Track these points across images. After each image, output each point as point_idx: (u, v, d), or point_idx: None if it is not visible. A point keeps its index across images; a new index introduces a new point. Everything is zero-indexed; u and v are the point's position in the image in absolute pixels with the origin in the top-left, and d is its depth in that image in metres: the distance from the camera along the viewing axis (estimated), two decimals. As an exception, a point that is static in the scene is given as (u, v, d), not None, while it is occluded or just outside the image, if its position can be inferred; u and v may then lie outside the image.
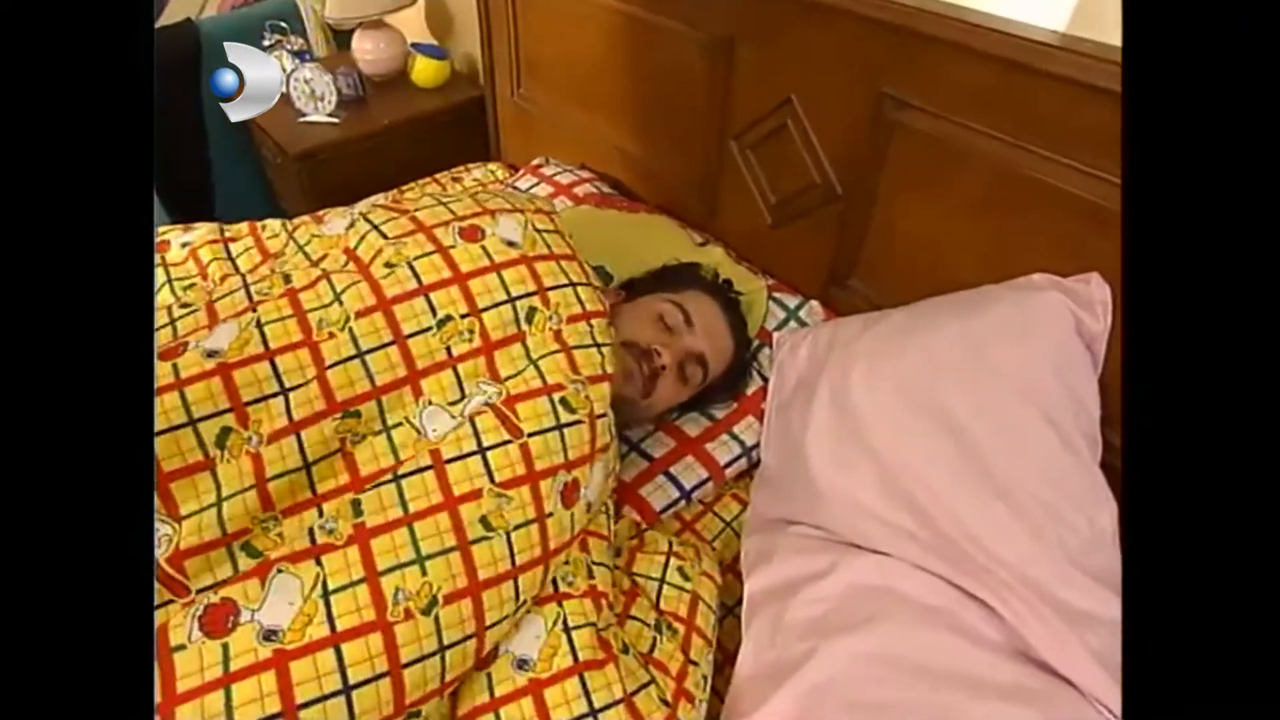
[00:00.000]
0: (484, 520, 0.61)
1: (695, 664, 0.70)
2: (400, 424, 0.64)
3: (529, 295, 0.72)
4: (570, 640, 0.62)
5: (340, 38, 1.80)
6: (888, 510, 0.74)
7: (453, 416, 0.65)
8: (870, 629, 0.66)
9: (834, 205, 0.96)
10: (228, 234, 0.99)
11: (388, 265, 0.70)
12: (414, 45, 1.65)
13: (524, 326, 0.71)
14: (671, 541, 0.81)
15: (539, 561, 0.63)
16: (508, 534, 0.61)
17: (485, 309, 0.69)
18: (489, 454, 0.64)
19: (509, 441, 0.64)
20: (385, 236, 0.73)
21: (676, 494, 0.89)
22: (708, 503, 0.93)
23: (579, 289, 0.75)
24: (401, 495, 0.60)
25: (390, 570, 0.56)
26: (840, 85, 0.87)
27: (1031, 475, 0.69)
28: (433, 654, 0.56)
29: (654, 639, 0.70)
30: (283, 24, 1.59)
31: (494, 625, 0.59)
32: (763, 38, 0.94)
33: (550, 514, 0.64)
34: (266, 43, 1.58)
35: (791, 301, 1.02)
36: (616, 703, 0.60)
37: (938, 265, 0.86)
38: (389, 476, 0.61)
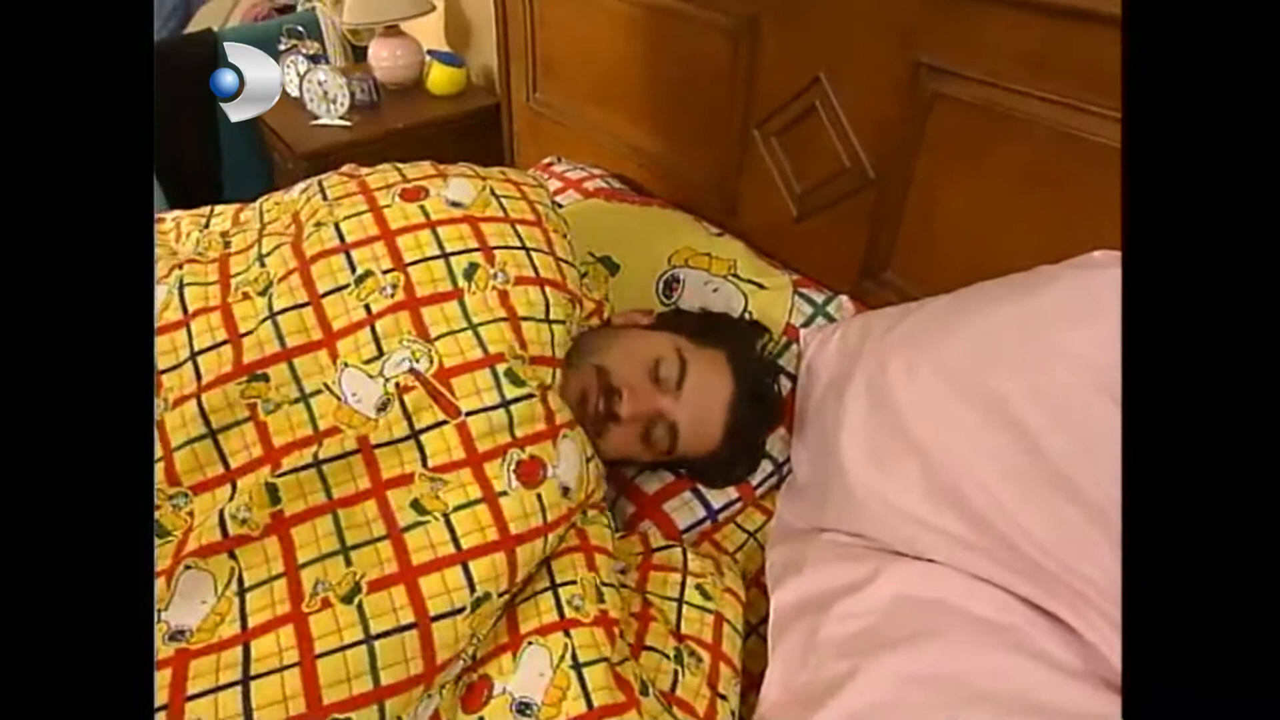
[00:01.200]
0: (415, 504, 0.54)
1: (724, 698, 0.61)
2: (320, 391, 0.58)
3: (469, 251, 0.64)
4: (582, 680, 0.53)
5: (359, 51, 1.79)
6: (936, 514, 0.65)
7: (370, 377, 0.58)
8: (921, 647, 0.57)
9: (866, 191, 0.89)
10: (216, 210, 0.95)
11: (317, 224, 0.65)
12: (430, 52, 1.63)
13: (461, 283, 0.62)
14: (687, 554, 0.72)
15: (497, 547, 0.54)
16: (446, 516, 0.54)
17: (412, 263, 0.62)
18: (421, 438, 0.57)
19: (444, 423, 0.57)
20: (326, 199, 0.69)
21: (703, 513, 0.81)
22: (730, 516, 0.84)
23: (535, 255, 0.67)
24: (324, 481, 0.54)
25: (312, 562, 0.50)
26: (873, 57, 0.81)
27: (1108, 475, 0.59)
28: (356, 644, 0.48)
29: (675, 672, 0.60)
30: (299, 28, 1.58)
31: (444, 617, 0.51)
32: (789, 13, 0.89)
33: (504, 493, 0.56)
34: (282, 47, 1.57)
35: (819, 297, 0.94)
36: None
37: (984, 250, 0.79)
38: (309, 460, 0.54)
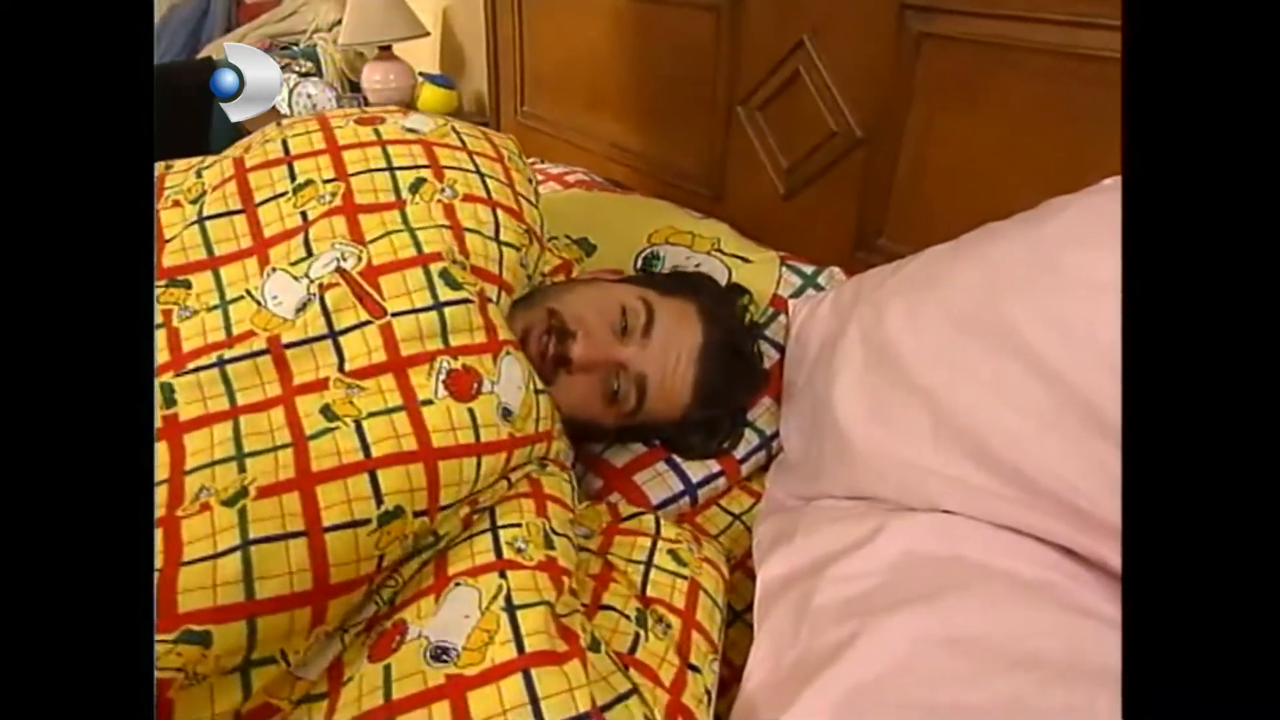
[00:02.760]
0: (326, 410, 0.47)
1: (696, 670, 0.50)
2: (241, 297, 0.52)
3: (417, 168, 0.60)
4: (515, 623, 0.43)
5: (355, 85, 1.82)
6: (950, 462, 0.55)
7: (296, 279, 0.52)
8: (939, 605, 0.46)
9: (855, 154, 0.84)
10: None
11: (264, 140, 0.62)
12: (422, 74, 1.65)
13: (405, 195, 0.58)
14: (660, 521, 0.62)
15: (414, 458, 0.46)
16: (358, 422, 0.46)
17: (356, 174, 0.59)
18: (340, 339, 0.50)
19: (367, 323, 0.50)
20: (279, 125, 0.66)
21: (680, 487, 0.71)
22: (713, 497, 0.74)
23: (490, 181, 0.62)
24: (228, 384, 0.47)
25: (200, 469, 0.43)
26: (857, 9, 0.78)
27: None
28: (230, 550, 0.39)
29: (637, 635, 0.50)
30: (294, 45, 1.61)
31: (341, 528, 0.43)
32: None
33: (429, 401, 0.49)
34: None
35: (808, 269, 0.87)
36: (580, 718, 0.40)
37: (988, 199, 0.72)
38: (213, 359, 0.48)
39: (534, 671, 0.41)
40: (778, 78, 0.90)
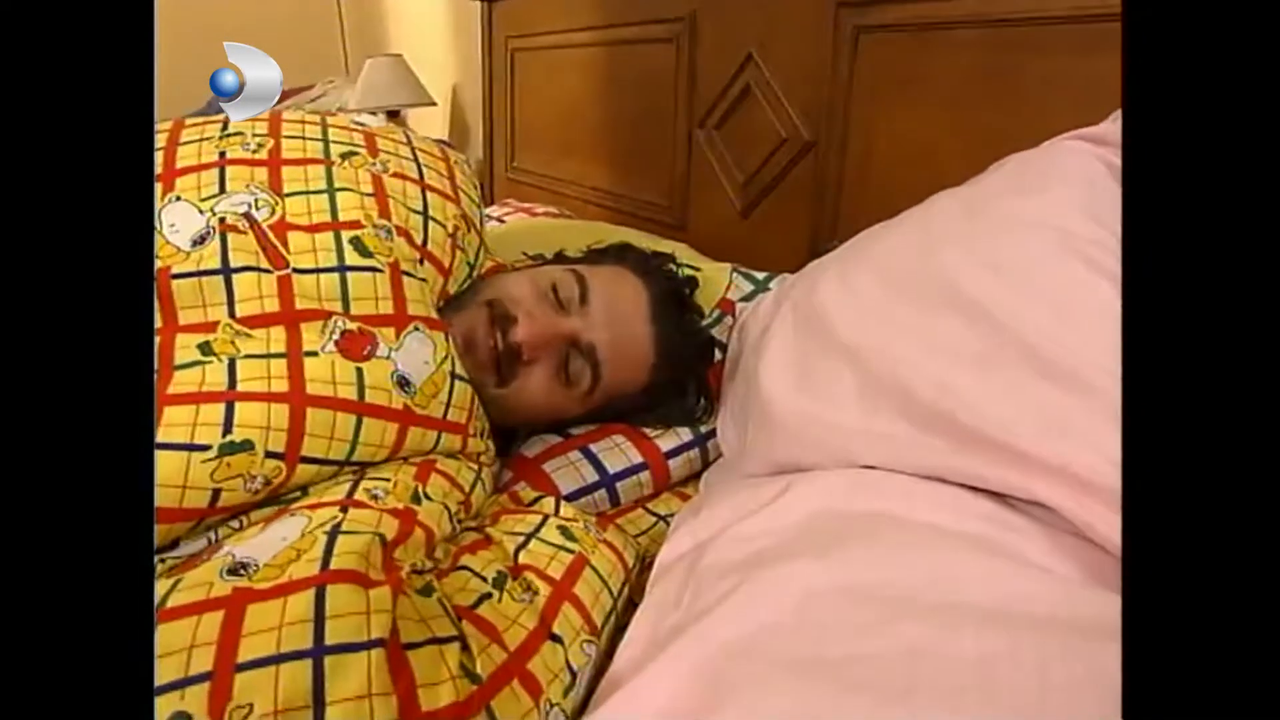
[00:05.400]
0: (204, 345, 0.44)
1: (558, 641, 0.41)
2: None
3: (352, 145, 0.59)
4: (330, 546, 0.37)
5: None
6: (875, 419, 0.48)
7: (200, 212, 0.49)
8: (838, 555, 0.38)
9: (806, 160, 0.83)
10: None
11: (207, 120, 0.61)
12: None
13: (333, 158, 0.56)
14: (560, 503, 0.55)
15: (281, 399, 0.42)
16: (233, 360, 0.43)
17: (289, 136, 0.57)
18: (234, 276, 0.47)
19: (266, 270, 0.48)
20: None
21: (595, 477, 0.63)
22: (639, 500, 0.66)
23: (427, 170, 0.61)
24: None
25: None
26: (798, 16, 0.79)
27: (1083, 340, 0.44)
28: None
29: (487, 595, 0.42)
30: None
31: (173, 448, 0.39)
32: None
33: (313, 353, 0.45)
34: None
35: (760, 275, 0.83)
36: (366, 645, 0.32)
37: (932, 182, 0.68)
38: None
39: (330, 588, 0.33)
40: (730, 94, 0.90)
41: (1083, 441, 0.38)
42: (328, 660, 0.31)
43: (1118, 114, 0.54)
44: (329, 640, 0.32)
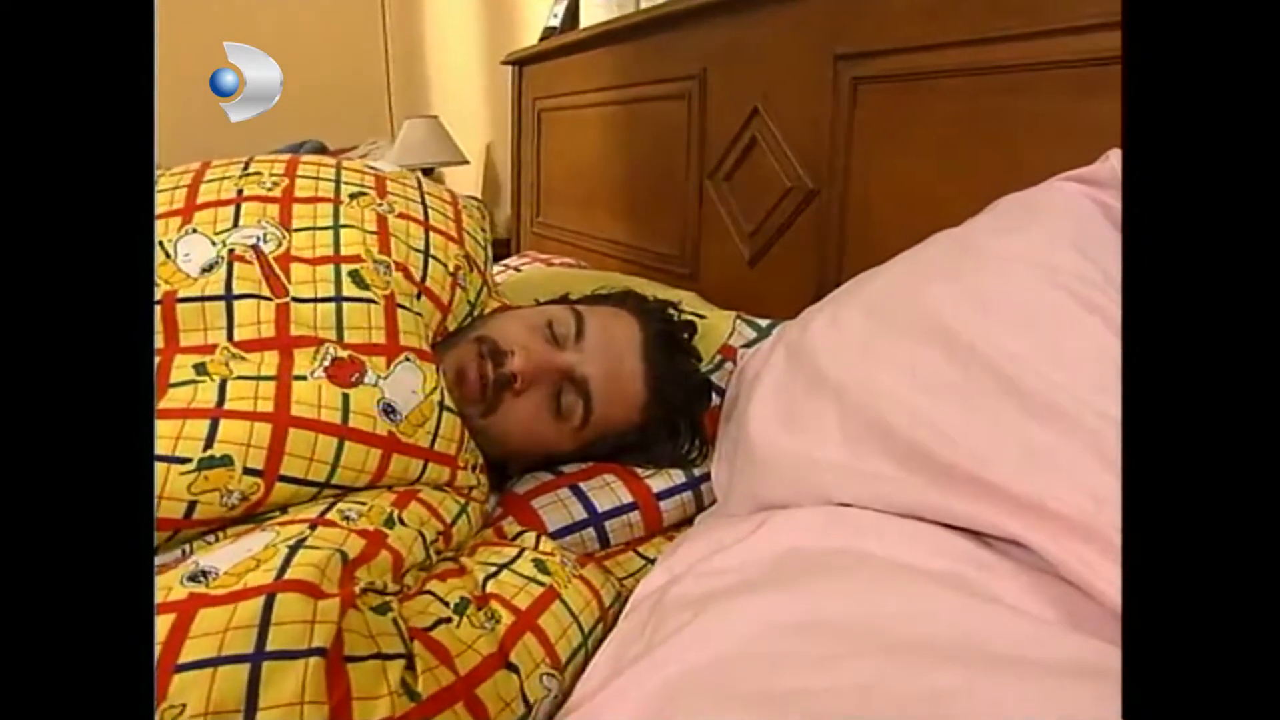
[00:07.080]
0: (199, 366, 0.46)
1: (513, 670, 0.40)
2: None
3: (362, 185, 0.62)
4: (289, 558, 0.37)
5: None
6: (857, 456, 0.47)
7: (213, 243, 0.52)
8: (802, 587, 0.37)
9: (810, 206, 0.84)
10: None
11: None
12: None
13: (342, 197, 0.59)
14: (541, 539, 0.54)
15: (266, 418, 0.44)
16: (224, 381, 0.45)
17: (303, 176, 0.60)
18: (235, 303, 0.49)
19: (266, 298, 0.50)
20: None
21: (584, 515, 0.63)
22: (629, 542, 0.65)
23: (434, 213, 0.64)
24: None
25: None
26: (800, 70, 0.82)
27: (1069, 375, 0.42)
28: None
29: (444, 620, 0.41)
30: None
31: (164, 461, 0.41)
32: (730, 56, 0.93)
33: (302, 377, 0.47)
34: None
35: (764, 322, 0.83)
36: (305, 653, 0.32)
37: (930, 225, 0.69)
38: None
39: (280, 596, 0.34)
40: (738, 146, 0.93)
41: (1061, 476, 0.37)
42: (265, 665, 0.31)
43: (1109, 154, 0.54)
44: (270, 646, 0.32)
